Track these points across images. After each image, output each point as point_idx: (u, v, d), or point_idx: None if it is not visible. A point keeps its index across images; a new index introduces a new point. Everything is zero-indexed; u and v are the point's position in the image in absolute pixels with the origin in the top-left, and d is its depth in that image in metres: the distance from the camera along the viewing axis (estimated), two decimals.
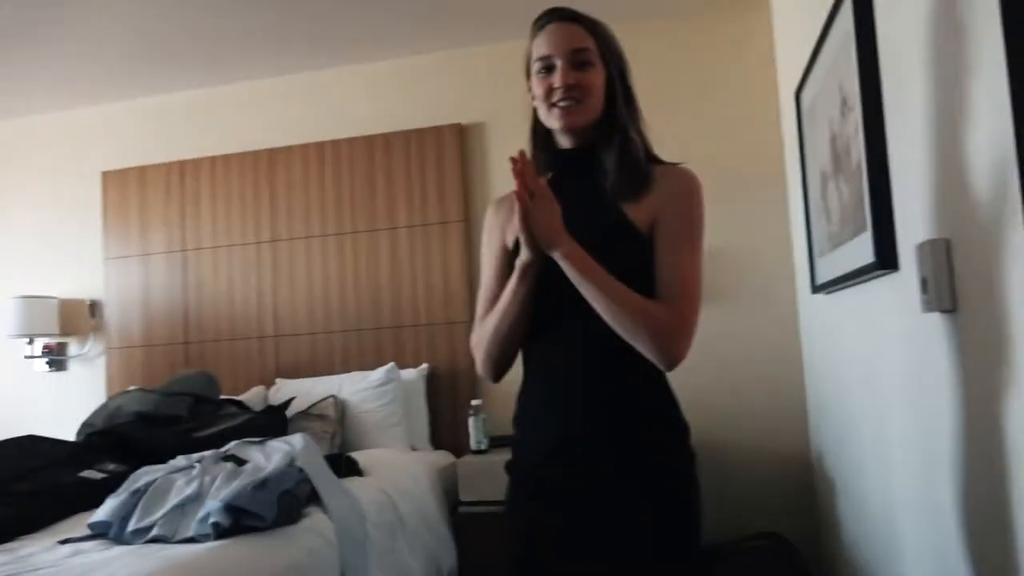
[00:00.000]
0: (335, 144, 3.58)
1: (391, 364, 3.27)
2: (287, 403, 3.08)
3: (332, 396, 3.15)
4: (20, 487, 2.31)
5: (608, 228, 1.27)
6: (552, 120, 1.31)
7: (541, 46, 1.31)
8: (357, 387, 3.20)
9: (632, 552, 1.21)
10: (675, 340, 1.20)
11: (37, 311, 3.67)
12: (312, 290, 3.55)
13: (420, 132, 3.49)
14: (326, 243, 3.56)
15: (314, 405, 3.11)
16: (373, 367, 3.35)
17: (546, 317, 1.30)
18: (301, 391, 3.23)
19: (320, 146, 3.59)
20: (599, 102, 1.31)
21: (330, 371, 3.47)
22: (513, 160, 1.18)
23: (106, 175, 3.82)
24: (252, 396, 3.33)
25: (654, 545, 1.21)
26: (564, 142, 1.35)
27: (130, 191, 3.79)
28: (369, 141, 3.54)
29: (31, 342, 3.79)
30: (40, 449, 2.55)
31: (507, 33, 3.34)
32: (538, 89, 1.32)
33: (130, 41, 3.20)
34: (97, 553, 1.81)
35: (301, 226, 3.59)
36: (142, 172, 3.78)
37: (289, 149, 3.63)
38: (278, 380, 3.46)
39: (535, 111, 1.36)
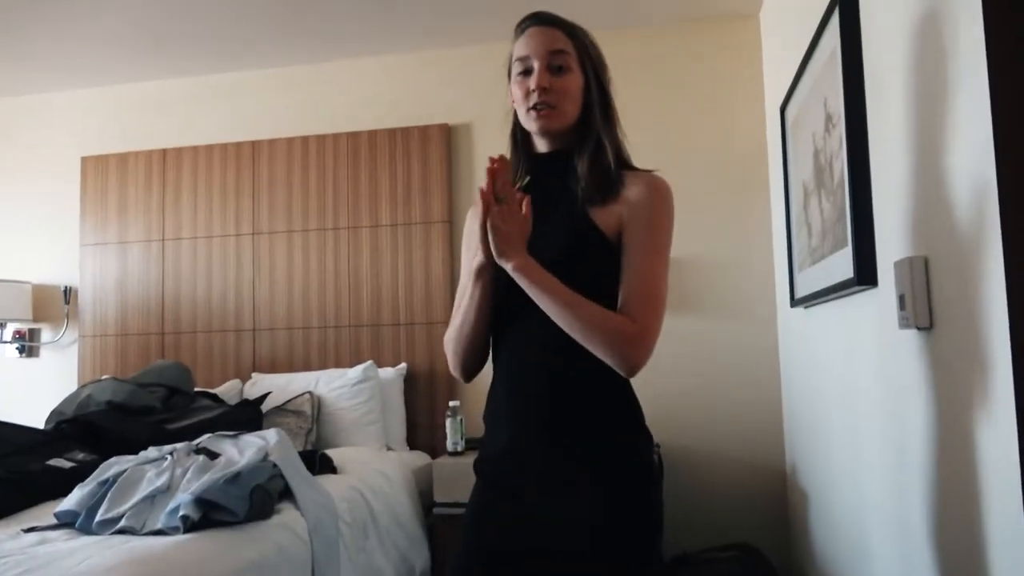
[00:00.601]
0: (320, 139, 3.56)
1: (369, 362, 3.26)
2: (263, 398, 3.05)
3: (308, 392, 3.13)
4: None
5: (576, 233, 1.28)
6: (529, 123, 1.33)
7: (520, 48, 1.33)
8: (334, 384, 3.18)
9: (588, 555, 1.22)
10: (634, 348, 1.20)
11: (9, 295, 3.61)
12: (292, 285, 3.53)
13: (406, 130, 3.48)
14: (307, 238, 3.53)
15: (290, 401, 3.09)
16: (351, 364, 3.33)
17: (510, 320, 1.31)
18: (277, 386, 3.20)
19: (305, 140, 3.57)
20: (575, 107, 1.32)
21: (307, 367, 3.44)
22: (491, 160, 1.20)
23: (86, 160, 3.77)
24: (227, 389, 3.30)
25: (609, 549, 1.22)
26: (541, 146, 1.37)
27: (110, 177, 3.74)
28: (355, 137, 3.53)
29: (2, 327, 3.73)
30: (7, 435, 2.50)
31: (496, 34, 3.33)
32: (517, 91, 1.33)
33: (117, 26, 3.16)
34: (63, 543, 1.78)
35: (283, 220, 3.56)
36: (123, 159, 3.73)
37: (273, 142, 3.60)
38: (254, 374, 3.43)
39: (515, 113, 1.37)
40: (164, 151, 3.70)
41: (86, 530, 1.88)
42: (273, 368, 3.48)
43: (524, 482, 1.29)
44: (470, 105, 3.47)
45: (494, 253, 1.22)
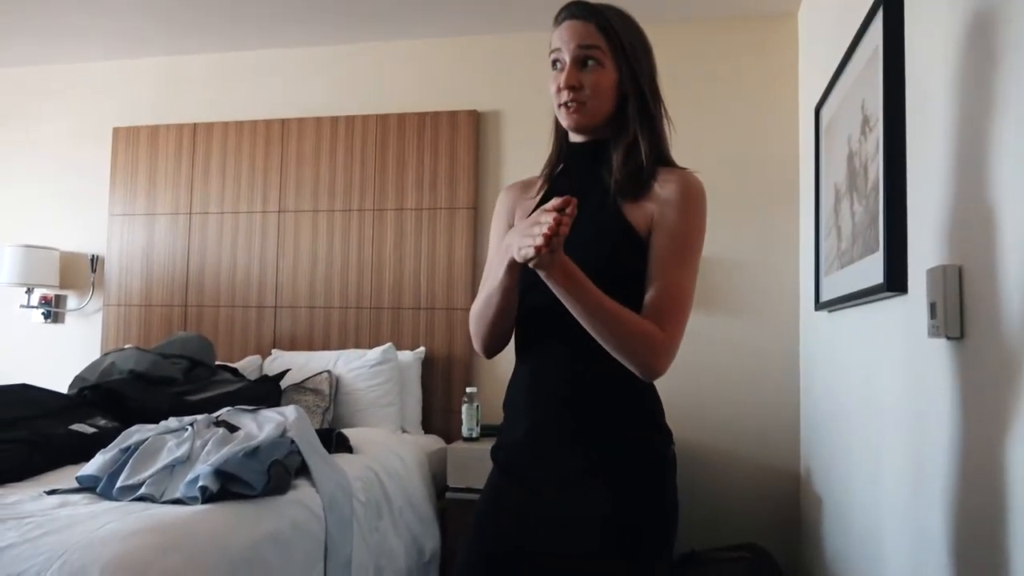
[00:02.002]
0: (349, 120, 3.56)
1: (388, 344, 3.27)
2: (282, 374, 3.08)
3: (327, 371, 3.15)
4: (10, 434, 2.31)
5: (606, 228, 1.27)
6: (560, 118, 1.33)
7: (554, 41, 1.32)
8: (352, 364, 3.20)
9: (600, 550, 1.22)
10: (659, 358, 1.20)
11: (38, 261, 3.66)
12: (315, 264, 3.55)
13: (436, 115, 3.48)
14: (332, 218, 3.55)
15: (308, 379, 3.11)
16: (370, 346, 3.35)
17: (538, 315, 1.30)
18: (296, 363, 3.23)
19: (334, 120, 3.58)
20: (605, 102, 1.30)
21: (327, 346, 3.47)
22: (567, 201, 1.10)
23: (117, 131, 3.80)
24: (247, 364, 3.33)
25: (622, 545, 1.22)
26: (575, 136, 1.36)
27: (140, 149, 3.77)
28: (384, 120, 3.53)
29: (30, 292, 3.78)
30: (33, 398, 2.55)
31: (530, 23, 3.33)
32: (551, 85, 1.32)
33: None
34: (83, 506, 1.80)
35: (309, 199, 3.58)
36: (154, 131, 3.76)
37: (303, 121, 3.61)
38: (274, 350, 3.46)
39: None
40: (195, 125, 3.72)
41: (106, 495, 1.91)
42: (293, 345, 3.50)
43: (539, 475, 1.29)
44: (500, 92, 3.47)
45: (531, 264, 1.15)
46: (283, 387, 3.04)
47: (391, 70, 3.60)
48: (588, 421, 1.27)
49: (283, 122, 3.63)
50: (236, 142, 3.67)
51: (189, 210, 3.70)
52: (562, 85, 1.28)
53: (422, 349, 3.37)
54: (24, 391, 2.61)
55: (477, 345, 1.39)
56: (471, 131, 3.44)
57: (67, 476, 2.10)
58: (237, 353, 3.53)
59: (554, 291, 1.18)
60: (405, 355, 3.30)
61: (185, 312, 3.66)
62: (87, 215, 3.83)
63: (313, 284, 3.54)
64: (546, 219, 1.09)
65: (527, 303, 1.32)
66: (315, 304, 3.53)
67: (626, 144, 1.30)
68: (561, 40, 1.30)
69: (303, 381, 3.10)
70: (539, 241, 1.08)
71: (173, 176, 3.73)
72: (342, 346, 3.44)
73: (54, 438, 2.36)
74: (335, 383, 3.13)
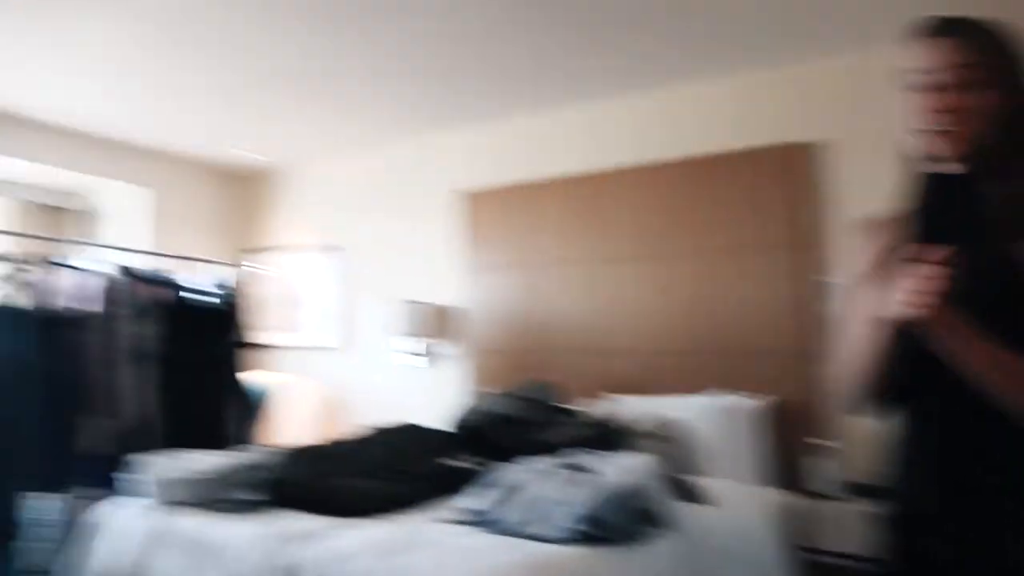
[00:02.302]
0: (677, 165, 3.61)
1: (730, 391, 3.19)
2: (624, 419, 3.13)
3: (668, 417, 3.14)
4: (405, 466, 2.68)
5: (994, 271, 1.11)
6: (929, 147, 1.17)
7: (916, 59, 1.18)
8: (692, 411, 3.16)
9: None
10: None
11: (420, 314, 4.26)
12: (648, 310, 3.62)
13: (754, 153, 3.39)
14: (660, 265, 3.60)
15: (648, 424, 3.12)
16: (709, 391, 3.29)
17: (922, 364, 1.15)
18: (634, 408, 3.27)
19: (658, 168, 3.65)
20: (982, 127, 1.13)
21: (663, 391, 3.46)
22: (946, 253, 1.05)
23: (471, 196, 4.28)
24: (588, 407, 3.43)
25: None
26: (942, 167, 1.19)
27: (491, 209, 4.20)
28: (702, 162, 3.53)
29: (412, 341, 4.38)
30: (421, 436, 2.94)
31: (855, 47, 3.10)
32: (911, 107, 1.18)
33: (494, 68, 3.45)
34: (470, 537, 2.01)
35: (639, 246, 3.68)
36: (499, 192, 4.17)
37: (634, 170, 3.73)
38: (611, 395, 3.55)
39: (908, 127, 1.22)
40: (535, 185, 4.05)
41: (488, 527, 2.11)
42: (628, 390, 3.56)
43: (957, 556, 1.14)
44: (822, 124, 3.27)
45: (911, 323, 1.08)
46: (627, 431, 3.09)
47: (703, 110, 3.58)
48: (1012, 496, 1.09)
49: (609, 174, 3.80)
50: (565, 196, 3.93)
51: (532, 263, 4.03)
52: (937, 109, 1.15)
53: (769, 397, 3.21)
54: (414, 430, 3.03)
55: (844, 397, 1.27)
56: (795, 166, 3.29)
57: (445, 507, 2.34)
58: (577, 396, 3.69)
59: (940, 348, 1.07)
60: (750, 402, 3.18)
61: (532, 357, 3.95)
62: (455, 272, 4.35)
63: (652, 329, 3.60)
64: (923, 274, 1.00)
65: (909, 353, 1.17)
66: (649, 350, 3.59)
67: (1012, 175, 1.14)
68: (930, 59, 1.17)
69: (644, 427, 3.12)
70: (918, 300, 1.00)
71: (518, 232, 4.09)
72: (683, 391, 3.41)
73: (438, 472, 2.69)
74: (675, 430, 3.10)
